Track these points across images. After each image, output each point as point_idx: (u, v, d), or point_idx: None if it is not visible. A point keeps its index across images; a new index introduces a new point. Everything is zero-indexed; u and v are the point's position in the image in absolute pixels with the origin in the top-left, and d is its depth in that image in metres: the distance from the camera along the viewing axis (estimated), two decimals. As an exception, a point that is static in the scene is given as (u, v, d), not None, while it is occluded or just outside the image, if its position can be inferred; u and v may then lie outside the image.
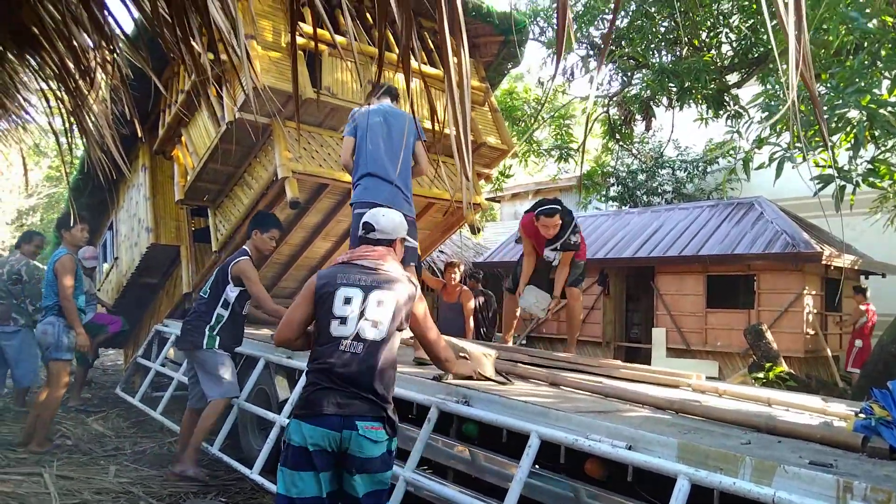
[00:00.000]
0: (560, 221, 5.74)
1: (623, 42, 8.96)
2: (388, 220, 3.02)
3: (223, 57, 1.96)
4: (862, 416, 2.81)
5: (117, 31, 1.85)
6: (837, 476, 2.15)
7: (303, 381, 3.24)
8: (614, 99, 10.44)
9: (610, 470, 2.84)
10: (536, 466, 3.04)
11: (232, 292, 4.88)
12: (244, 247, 5.08)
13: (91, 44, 1.87)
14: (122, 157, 2.31)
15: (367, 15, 6.10)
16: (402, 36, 1.00)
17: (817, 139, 5.38)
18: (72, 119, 2.20)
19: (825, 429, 2.93)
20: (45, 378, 6.20)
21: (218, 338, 4.82)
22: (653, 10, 8.36)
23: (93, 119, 2.21)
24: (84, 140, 2.28)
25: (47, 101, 2.30)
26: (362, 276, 2.83)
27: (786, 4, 0.81)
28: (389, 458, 2.73)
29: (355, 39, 5.44)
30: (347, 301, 2.77)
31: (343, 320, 2.75)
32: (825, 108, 5.30)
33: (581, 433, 2.88)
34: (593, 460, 2.86)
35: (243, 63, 1.53)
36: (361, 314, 2.75)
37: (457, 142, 0.97)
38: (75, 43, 1.84)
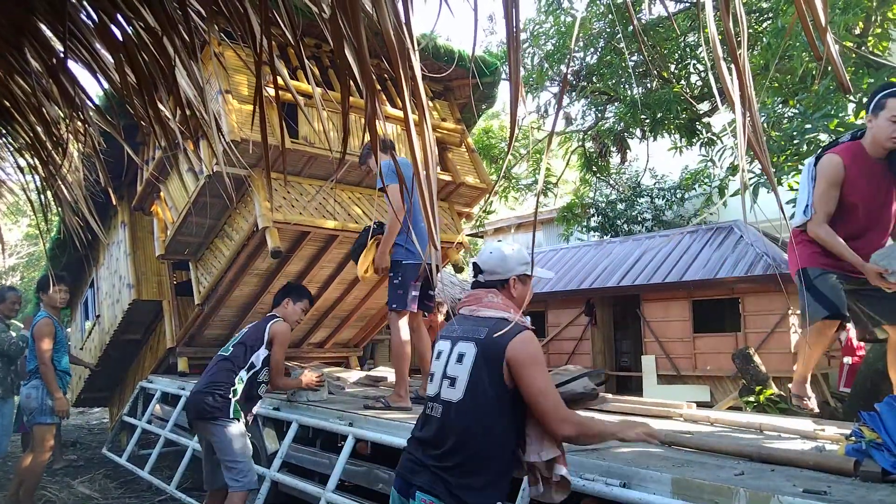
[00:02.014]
0: None
1: (594, 77, 9.13)
2: (495, 258, 2.50)
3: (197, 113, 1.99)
4: (852, 439, 2.81)
5: (87, 101, 1.87)
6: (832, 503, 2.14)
7: None
8: (589, 133, 10.59)
9: (606, 509, 2.81)
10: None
11: (261, 355, 4.37)
12: (273, 313, 4.66)
13: (62, 115, 1.89)
14: (98, 224, 2.30)
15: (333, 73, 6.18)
16: (366, 105, 1.02)
17: (790, 164, 5.48)
18: (46, 187, 2.21)
19: (817, 455, 2.92)
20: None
21: (242, 413, 4.18)
22: (622, 45, 8.55)
23: (67, 187, 2.21)
24: (58, 208, 2.29)
25: (21, 171, 2.30)
26: (456, 327, 2.44)
27: (732, 78, 0.84)
28: None
29: (327, 90, 5.52)
30: (438, 356, 2.44)
31: (432, 377, 2.43)
32: (795, 133, 5.42)
33: (574, 473, 2.85)
34: (588, 500, 2.83)
35: (211, 126, 1.54)
36: (444, 370, 2.38)
37: (426, 209, 0.98)
38: (46, 115, 1.85)
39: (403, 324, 4.67)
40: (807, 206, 3.66)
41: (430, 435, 2.31)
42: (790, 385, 4.08)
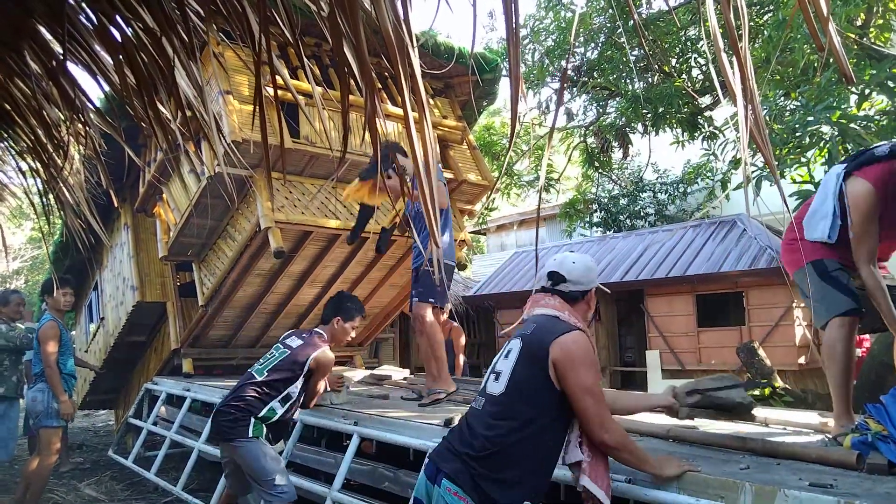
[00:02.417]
0: None
1: (595, 73, 9.12)
2: (580, 267, 2.54)
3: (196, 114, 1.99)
4: (858, 432, 2.80)
5: (87, 103, 1.87)
6: (838, 497, 2.13)
7: None
8: (590, 128, 10.58)
9: (611, 505, 2.81)
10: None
11: (298, 386, 3.96)
12: (319, 330, 4.22)
13: (62, 117, 1.89)
14: (100, 226, 2.31)
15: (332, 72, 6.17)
16: (366, 103, 1.01)
17: (792, 157, 5.47)
18: (47, 189, 2.21)
19: (823, 448, 2.91)
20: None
21: (265, 428, 3.81)
22: (622, 40, 8.54)
23: (68, 189, 2.21)
24: (60, 211, 2.29)
25: (23, 174, 2.30)
26: (519, 327, 2.45)
27: (733, 71, 0.84)
28: None
29: (327, 88, 5.51)
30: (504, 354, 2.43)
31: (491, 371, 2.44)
32: (797, 125, 5.40)
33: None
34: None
35: (211, 127, 1.54)
36: (494, 365, 2.40)
37: (427, 210, 0.98)
38: (47, 117, 1.86)
39: (429, 313, 4.67)
40: (831, 226, 3.20)
41: (469, 425, 2.30)
42: (829, 421, 3.49)
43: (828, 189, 3.25)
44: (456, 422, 3.10)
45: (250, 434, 3.73)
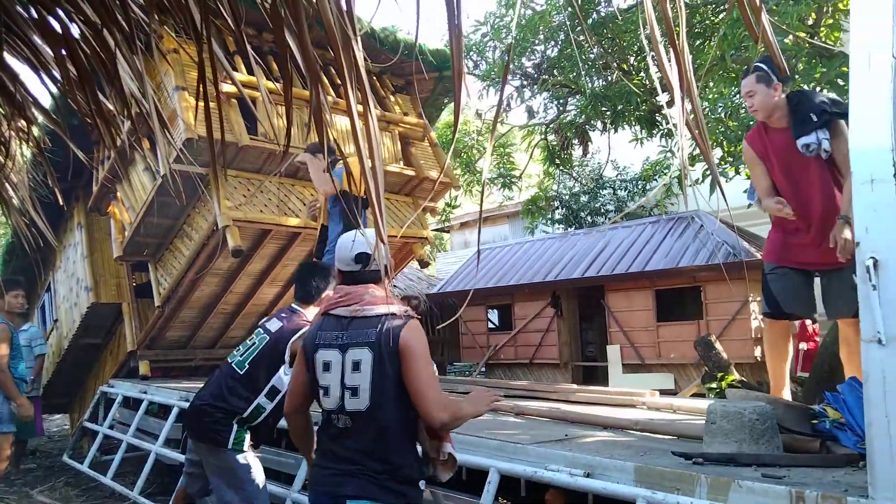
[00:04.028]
0: (758, 82, 3.42)
1: (555, 70, 9.17)
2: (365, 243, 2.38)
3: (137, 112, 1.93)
4: (816, 420, 2.86)
5: (28, 98, 1.81)
6: (790, 487, 2.18)
7: None
8: (551, 126, 10.64)
9: (571, 498, 2.83)
10: (499, 501, 3.01)
11: (286, 376, 3.47)
12: (298, 308, 3.72)
13: (3, 112, 1.83)
14: (46, 225, 2.23)
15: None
16: (311, 93, 0.99)
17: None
18: (-10, 188, 2.14)
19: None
20: None
21: (248, 435, 3.48)
22: (581, 38, 8.60)
23: (12, 187, 2.14)
24: (3, 210, 2.21)
25: (-37, 172, 2.22)
26: (338, 332, 2.32)
27: (670, 64, 0.84)
28: None
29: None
30: (326, 367, 2.31)
31: (326, 391, 2.31)
32: (751, 122, 5.50)
33: (540, 464, 2.87)
34: (553, 491, 2.85)
35: (154, 122, 1.51)
36: (342, 382, 2.28)
37: (372, 204, 0.96)
38: (-14, 113, 1.79)
39: None
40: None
41: (346, 446, 2.27)
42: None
43: None
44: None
45: (231, 443, 3.40)
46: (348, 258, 2.37)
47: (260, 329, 3.70)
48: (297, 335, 3.46)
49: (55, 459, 8.01)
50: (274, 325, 3.65)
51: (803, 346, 9.91)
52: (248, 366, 3.53)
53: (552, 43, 9.32)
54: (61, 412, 9.74)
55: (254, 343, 3.62)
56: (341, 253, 2.40)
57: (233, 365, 3.59)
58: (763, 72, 3.39)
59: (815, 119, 3.25)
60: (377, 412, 2.23)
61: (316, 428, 2.47)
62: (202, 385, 3.81)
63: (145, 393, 6.13)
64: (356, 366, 2.25)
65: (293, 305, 3.74)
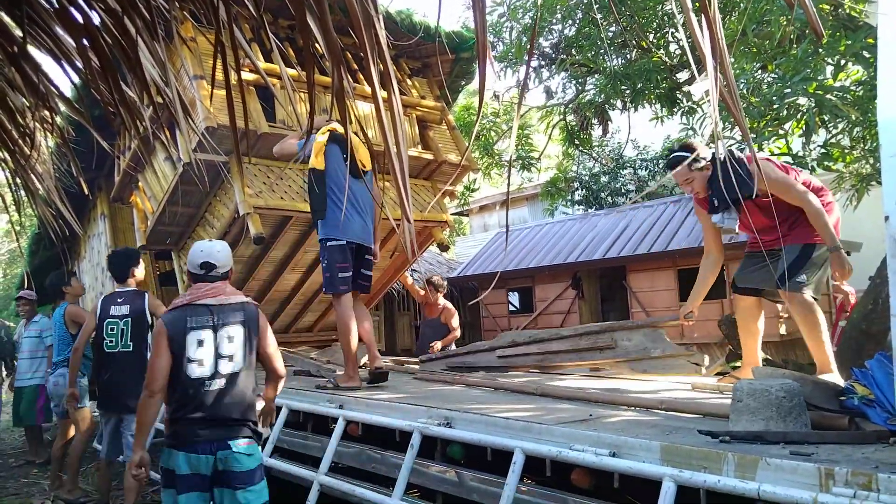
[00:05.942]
0: (692, 169, 3.93)
1: (573, 50, 9.07)
2: (224, 254, 3.23)
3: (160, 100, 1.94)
4: (843, 397, 2.83)
5: (52, 89, 1.82)
6: (818, 464, 2.16)
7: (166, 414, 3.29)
8: (569, 106, 10.54)
9: (596, 478, 2.83)
10: (524, 481, 3.02)
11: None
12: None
13: (27, 103, 1.84)
14: (71, 214, 2.26)
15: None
16: (332, 75, 0.99)
17: (770, 129, 5.48)
18: (16, 179, 2.16)
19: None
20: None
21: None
22: (599, 16, 8.49)
23: (38, 178, 2.16)
24: (30, 200, 2.24)
25: (-11, 163, 2.25)
26: (209, 317, 3.06)
27: (702, 29, 0.82)
28: (262, 470, 3.11)
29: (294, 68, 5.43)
30: (201, 343, 3.01)
31: (200, 362, 3.00)
32: (774, 97, 5.41)
33: (564, 445, 2.87)
34: (579, 470, 2.84)
35: (178, 111, 1.51)
36: (216, 352, 3.03)
37: (396, 181, 0.95)
38: (11, 104, 1.81)
39: (345, 305, 4.63)
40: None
41: (217, 403, 2.98)
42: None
43: None
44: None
45: None
46: (196, 265, 3.16)
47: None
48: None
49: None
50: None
51: (843, 323, 9.74)
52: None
53: (569, 22, 9.20)
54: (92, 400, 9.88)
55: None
56: (191, 259, 3.18)
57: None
58: (693, 159, 3.91)
59: (716, 204, 4.00)
60: (245, 372, 3.10)
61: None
62: None
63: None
64: (231, 339, 3.08)
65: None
